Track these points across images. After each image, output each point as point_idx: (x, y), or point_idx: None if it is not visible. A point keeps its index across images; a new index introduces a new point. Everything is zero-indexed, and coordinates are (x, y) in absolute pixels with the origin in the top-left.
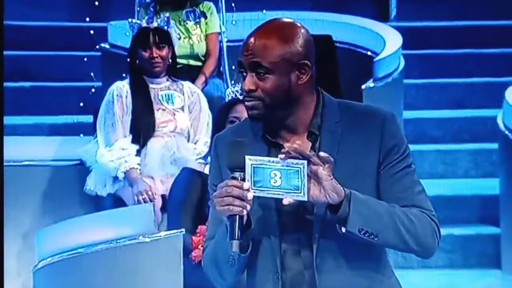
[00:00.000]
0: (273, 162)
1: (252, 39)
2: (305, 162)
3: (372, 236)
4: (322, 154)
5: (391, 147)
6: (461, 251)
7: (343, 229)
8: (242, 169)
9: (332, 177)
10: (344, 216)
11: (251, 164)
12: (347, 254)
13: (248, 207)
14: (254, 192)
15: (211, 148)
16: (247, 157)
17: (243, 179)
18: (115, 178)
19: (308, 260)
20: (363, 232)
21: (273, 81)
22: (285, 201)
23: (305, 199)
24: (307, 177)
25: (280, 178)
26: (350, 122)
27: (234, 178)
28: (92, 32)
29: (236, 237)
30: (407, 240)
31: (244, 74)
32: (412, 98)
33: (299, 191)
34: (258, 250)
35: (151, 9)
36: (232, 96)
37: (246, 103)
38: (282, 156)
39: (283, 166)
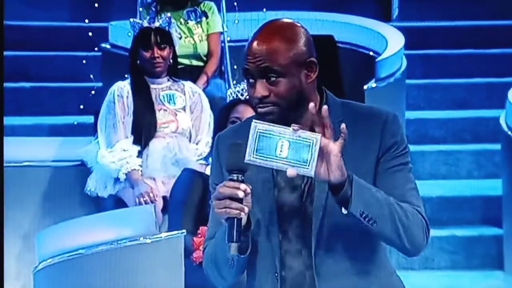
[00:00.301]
0: (282, 132)
1: (256, 44)
2: (319, 136)
3: (371, 222)
4: (342, 126)
5: (390, 144)
6: (463, 252)
7: (345, 211)
8: (241, 171)
9: (341, 154)
10: (346, 198)
11: (258, 131)
12: (347, 253)
13: (246, 209)
14: (256, 159)
15: (212, 148)
16: (254, 121)
17: (241, 181)
18: (116, 179)
19: (308, 260)
20: (364, 215)
21: (286, 83)
22: (290, 173)
23: (312, 174)
24: (317, 152)
25: (288, 148)
26: (352, 122)
27: (232, 180)
28: (91, 34)
29: (234, 240)
30: (401, 234)
31: (252, 81)
32: (414, 99)
33: (307, 165)
34: (258, 250)
35: (153, 9)
36: (233, 97)
37: (260, 110)
38: (296, 127)
39: (293, 137)
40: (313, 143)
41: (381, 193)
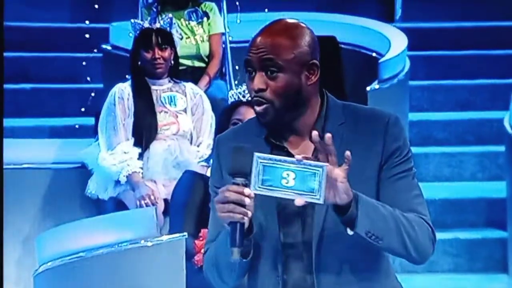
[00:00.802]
0: (286, 162)
1: (263, 37)
2: (325, 165)
3: (378, 239)
4: (347, 153)
5: (393, 150)
6: (467, 255)
7: (350, 231)
8: (244, 175)
9: (347, 179)
10: (352, 218)
11: (261, 162)
12: (348, 258)
13: (250, 214)
14: (262, 190)
15: (213, 150)
16: (256, 154)
17: (245, 185)
18: (117, 182)
19: (309, 265)
20: (369, 235)
21: (284, 80)
22: (299, 202)
23: (321, 202)
24: (325, 181)
25: (294, 179)
26: (354, 125)
27: (235, 184)
28: (88, 36)
29: (237, 245)
30: (408, 246)
31: (253, 73)
32: (417, 100)
33: (315, 194)
34: (260, 254)
35: (154, 9)
36: (235, 98)
37: (256, 108)
38: (299, 157)
39: (298, 167)
40: (320, 172)
41: (386, 207)
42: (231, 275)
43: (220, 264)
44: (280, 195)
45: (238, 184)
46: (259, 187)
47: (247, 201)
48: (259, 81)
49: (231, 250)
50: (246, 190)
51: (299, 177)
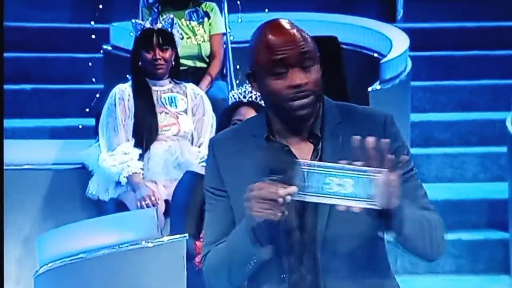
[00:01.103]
0: (334, 168)
1: (290, 33)
2: (384, 171)
3: (408, 241)
4: (405, 158)
5: (393, 150)
6: (469, 256)
7: (393, 234)
8: (281, 172)
9: (399, 184)
10: (396, 222)
11: (303, 168)
12: (351, 257)
13: (286, 212)
14: (306, 196)
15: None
16: (298, 160)
17: (281, 182)
18: (118, 183)
19: (311, 264)
20: (401, 236)
21: (318, 71)
22: (356, 209)
23: (379, 208)
24: (383, 185)
25: (352, 185)
26: (351, 124)
27: (273, 181)
28: (93, 36)
29: (270, 242)
30: (431, 245)
31: (284, 72)
32: (419, 101)
33: (374, 200)
34: None
35: (155, 10)
36: (235, 98)
37: (299, 102)
38: (359, 163)
39: (354, 173)
40: (378, 178)
41: (414, 208)
42: (243, 275)
43: (233, 263)
44: (330, 201)
45: (275, 181)
46: (303, 194)
47: (287, 199)
48: (298, 76)
49: (265, 248)
50: (286, 190)
51: (356, 183)
